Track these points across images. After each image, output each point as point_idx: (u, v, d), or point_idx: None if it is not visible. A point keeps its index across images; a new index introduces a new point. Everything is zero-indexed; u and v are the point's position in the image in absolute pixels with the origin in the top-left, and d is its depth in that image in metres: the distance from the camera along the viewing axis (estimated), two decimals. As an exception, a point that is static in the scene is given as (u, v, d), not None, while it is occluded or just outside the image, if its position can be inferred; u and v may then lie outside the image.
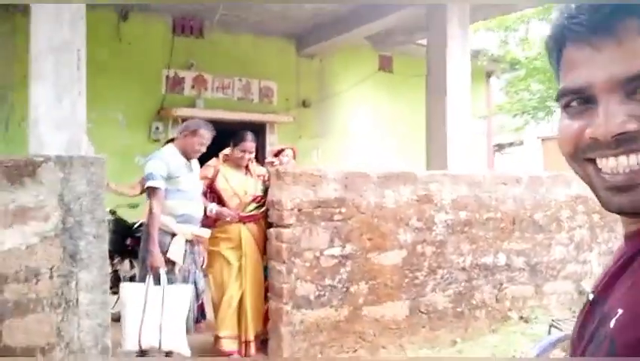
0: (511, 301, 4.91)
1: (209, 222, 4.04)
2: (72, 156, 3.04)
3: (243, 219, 4.10)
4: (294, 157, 4.77)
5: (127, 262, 4.87)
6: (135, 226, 4.81)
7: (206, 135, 3.87)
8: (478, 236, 4.70)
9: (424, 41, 6.50)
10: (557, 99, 0.68)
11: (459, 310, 4.59)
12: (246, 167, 4.31)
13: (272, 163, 4.65)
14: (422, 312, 4.40)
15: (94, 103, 6.58)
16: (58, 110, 3.62)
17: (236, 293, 4.01)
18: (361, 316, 4.05)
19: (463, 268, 4.61)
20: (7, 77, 6.11)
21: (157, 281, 3.42)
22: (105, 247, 3.08)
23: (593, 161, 0.65)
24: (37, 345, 2.82)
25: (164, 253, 3.53)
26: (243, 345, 4.02)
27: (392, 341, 4.21)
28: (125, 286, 3.58)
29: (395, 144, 8.70)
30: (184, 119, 7.20)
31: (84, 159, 3.04)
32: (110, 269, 4.53)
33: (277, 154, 4.84)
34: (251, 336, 4.02)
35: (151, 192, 3.63)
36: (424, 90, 6.14)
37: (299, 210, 3.78)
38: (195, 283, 3.73)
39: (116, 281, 4.49)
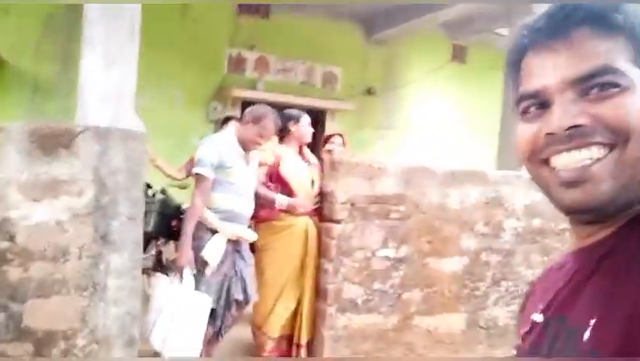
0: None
1: (266, 214, 3.55)
2: (110, 128, 2.82)
3: (311, 213, 3.62)
4: (344, 145, 4.22)
5: (172, 244, 4.70)
6: (183, 207, 4.62)
7: (269, 127, 3.35)
8: (552, 248, 4.18)
9: (504, 31, 5.96)
10: (516, 105, 0.70)
11: (524, 328, 4.11)
12: (301, 152, 3.82)
13: (329, 151, 4.25)
14: (481, 327, 3.95)
15: (151, 79, 6.49)
16: (106, 80, 3.43)
17: (296, 296, 3.54)
18: (412, 326, 3.67)
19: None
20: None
21: (182, 280, 3.11)
22: (139, 230, 2.85)
23: (547, 162, 0.67)
24: (60, 329, 2.63)
25: (198, 250, 3.14)
26: (295, 347, 3.60)
27: (444, 356, 3.81)
28: (155, 276, 3.33)
29: (464, 142, 8.13)
30: (244, 101, 7.03)
31: (123, 132, 2.82)
32: (153, 250, 4.38)
33: (325, 141, 4.36)
34: (304, 340, 3.57)
35: (197, 180, 3.26)
36: (501, 85, 5.61)
37: (352, 204, 3.43)
38: (229, 291, 3.26)
39: (158, 264, 4.32)
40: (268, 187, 3.56)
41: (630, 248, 0.62)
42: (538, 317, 0.72)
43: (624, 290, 0.59)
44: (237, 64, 7.02)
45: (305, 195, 3.60)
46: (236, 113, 6.99)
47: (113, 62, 3.45)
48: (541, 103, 0.67)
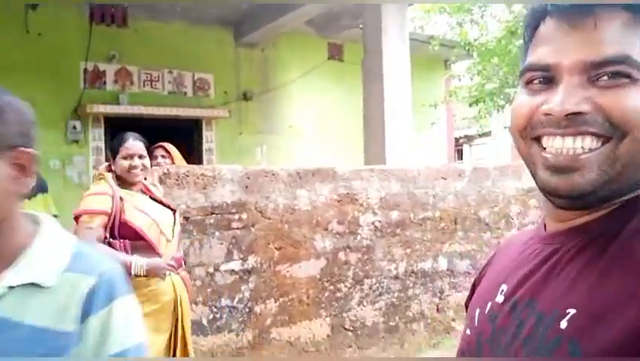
0: (455, 310, 4.36)
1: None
2: None
3: (179, 266, 2.60)
4: (170, 156, 3.52)
5: None
6: None
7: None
8: (414, 238, 4.13)
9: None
10: (521, 74, 0.68)
11: (392, 324, 4.02)
12: (145, 188, 2.73)
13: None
14: (347, 329, 3.82)
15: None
16: None
17: None
18: (270, 340, 3.45)
19: (396, 277, 4.03)
20: None
21: None
22: None
23: (539, 140, 0.65)
24: None
25: None
26: None
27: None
28: None
29: (349, 140, 8.08)
30: (106, 117, 6.58)
31: None
32: None
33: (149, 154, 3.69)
34: None
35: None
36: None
37: (185, 218, 3.16)
38: None
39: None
40: (110, 245, 2.42)
41: (620, 237, 0.61)
42: (500, 299, 0.70)
43: (611, 281, 0.58)
44: (95, 78, 6.54)
45: (164, 246, 2.54)
46: (100, 131, 6.54)
47: None
48: (548, 78, 0.64)
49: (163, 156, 3.49)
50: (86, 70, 6.45)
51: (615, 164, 0.60)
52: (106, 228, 2.41)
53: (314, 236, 3.66)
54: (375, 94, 5.18)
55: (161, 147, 3.58)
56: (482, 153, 15.14)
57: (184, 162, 3.63)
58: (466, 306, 0.83)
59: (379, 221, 3.95)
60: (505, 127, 12.23)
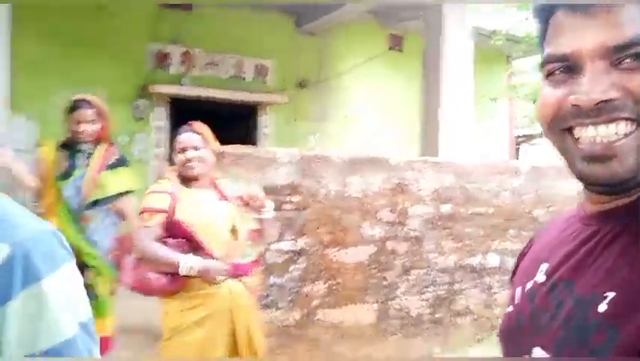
0: (502, 308, 4.30)
1: (166, 286, 2.26)
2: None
3: (239, 273, 2.35)
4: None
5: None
6: None
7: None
8: (465, 233, 4.11)
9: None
10: (541, 67, 0.67)
11: (438, 316, 4.02)
12: (213, 183, 2.51)
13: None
14: (392, 317, 3.85)
15: (68, 77, 6.24)
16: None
17: None
18: (315, 321, 3.53)
19: (445, 270, 4.02)
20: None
21: None
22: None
23: (570, 131, 0.64)
24: None
25: None
26: None
27: (354, 348, 3.68)
28: None
29: (407, 131, 8.03)
30: (169, 97, 6.82)
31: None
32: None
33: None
34: None
35: None
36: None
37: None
38: None
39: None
40: (166, 243, 2.29)
41: None
42: (541, 278, 0.70)
43: None
44: (161, 59, 6.78)
45: (222, 248, 2.32)
46: (162, 110, 6.78)
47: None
48: (569, 67, 0.63)
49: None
50: (153, 51, 6.71)
51: None
52: (164, 227, 2.29)
53: (363, 223, 3.70)
54: (434, 85, 5.14)
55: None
56: (541, 153, 14.68)
57: (217, 143, 3.60)
58: (511, 281, 0.83)
59: (430, 213, 3.95)
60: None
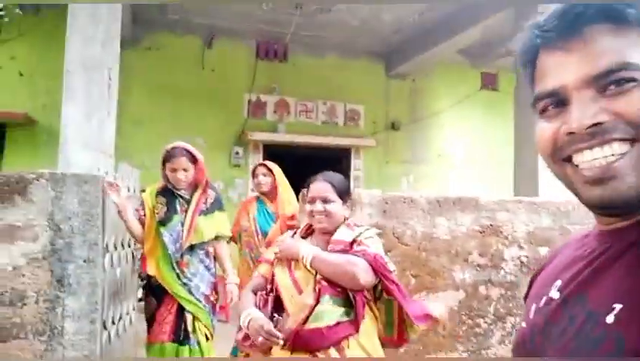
0: None
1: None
2: (65, 173, 2.89)
3: (295, 343, 1.79)
4: (271, 173, 3.73)
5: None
6: None
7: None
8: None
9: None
10: (533, 105, 0.71)
11: (538, 369, 3.71)
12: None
13: (257, 185, 3.77)
14: (487, 368, 3.61)
15: (175, 128, 6.74)
16: (86, 130, 3.57)
17: None
18: (403, 368, 3.40)
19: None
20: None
21: None
22: (96, 273, 2.86)
23: (570, 160, 0.67)
24: (13, 374, 2.65)
25: None
26: None
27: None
28: None
29: (500, 172, 7.74)
30: (265, 144, 7.12)
31: (77, 176, 2.88)
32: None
33: (253, 175, 3.88)
34: None
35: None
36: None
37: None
38: None
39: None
40: (267, 298, 1.97)
41: None
42: (555, 294, 0.72)
43: None
44: (257, 108, 7.14)
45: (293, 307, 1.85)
46: (259, 156, 7.09)
47: (92, 111, 3.58)
48: (559, 101, 0.67)
49: (264, 175, 3.67)
50: (249, 101, 7.09)
51: None
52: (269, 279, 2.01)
53: (453, 267, 3.56)
54: (527, 123, 4.93)
55: (263, 165, 3.75)
56: None
57: (286, 180, 3.74)
58: (525, 300, 0.84)
59: (526, 256, 3.72)
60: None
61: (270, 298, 1.93)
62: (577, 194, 0.68)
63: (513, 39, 6.17)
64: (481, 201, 3.69)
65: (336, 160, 7.47)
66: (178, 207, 3.08)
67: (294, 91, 7.27)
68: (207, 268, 3.12)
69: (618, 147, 0.62)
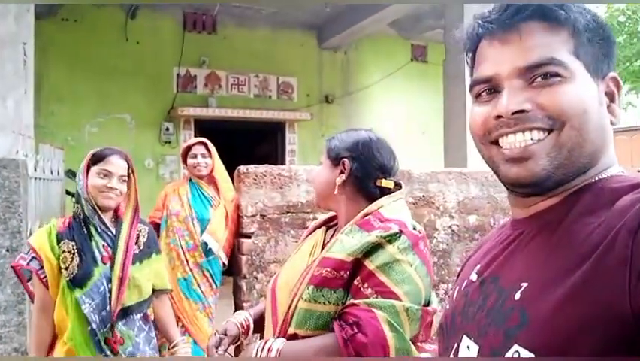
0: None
1: None
2: (-20, 159, 2.70)
3: None
4: (209, 154, 3.40)
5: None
6: None
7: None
8: (494, 244, 4.00)
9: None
10: (470, 90, 0.79)
11: (469, 331, 3.91)
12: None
13: (194, 166, 3.37)
14: (422, 334, 3.76)
15: (100, 105, 6.43)
16: (1, 110, 3.32)
17: None
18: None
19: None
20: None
21: None
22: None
23: (497, 143, 0.75)
24: None
25: None
26: None
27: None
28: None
29: (432, 142, 7.95)
30: (196, 120, 6.93)
31: (-6, 161, 2.69)
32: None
33: (185, 155, 3.42)
34: None
35: None
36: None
37: (262, 216, 3.27)
38: None
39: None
40: None
41: (565, 220, 0.69)
42: (474, 277, 0.80)
43: (556, 258, 0.66)
44: (187, 82, 6.92)
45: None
46: (190, 132, 6.90)
47: (6, 90, 3.34)
48: (493, 88, 0.75)
49: (203, 155, 3.35)
50: (178, 75, 6.85)
51: (562, 150, 0.70)
52: None
53: (388, 238, 3.64)
54: (456, 95, 5.07)
55: (202, 143, 3.36)
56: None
57: (220, 161, 3.56)
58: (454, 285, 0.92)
59: (457, 225, 3.86)
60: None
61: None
62: (497, 172, 0.76)
63: (442, 12, 6.29)
64: (414, 174, 3.78)
65: (271, 134, 7.40)
66: (97, 254, 1.97)
67: (224, 64, 7.08)
68: (148, 339, 2.10)
69: (537, 134, 0.71)
